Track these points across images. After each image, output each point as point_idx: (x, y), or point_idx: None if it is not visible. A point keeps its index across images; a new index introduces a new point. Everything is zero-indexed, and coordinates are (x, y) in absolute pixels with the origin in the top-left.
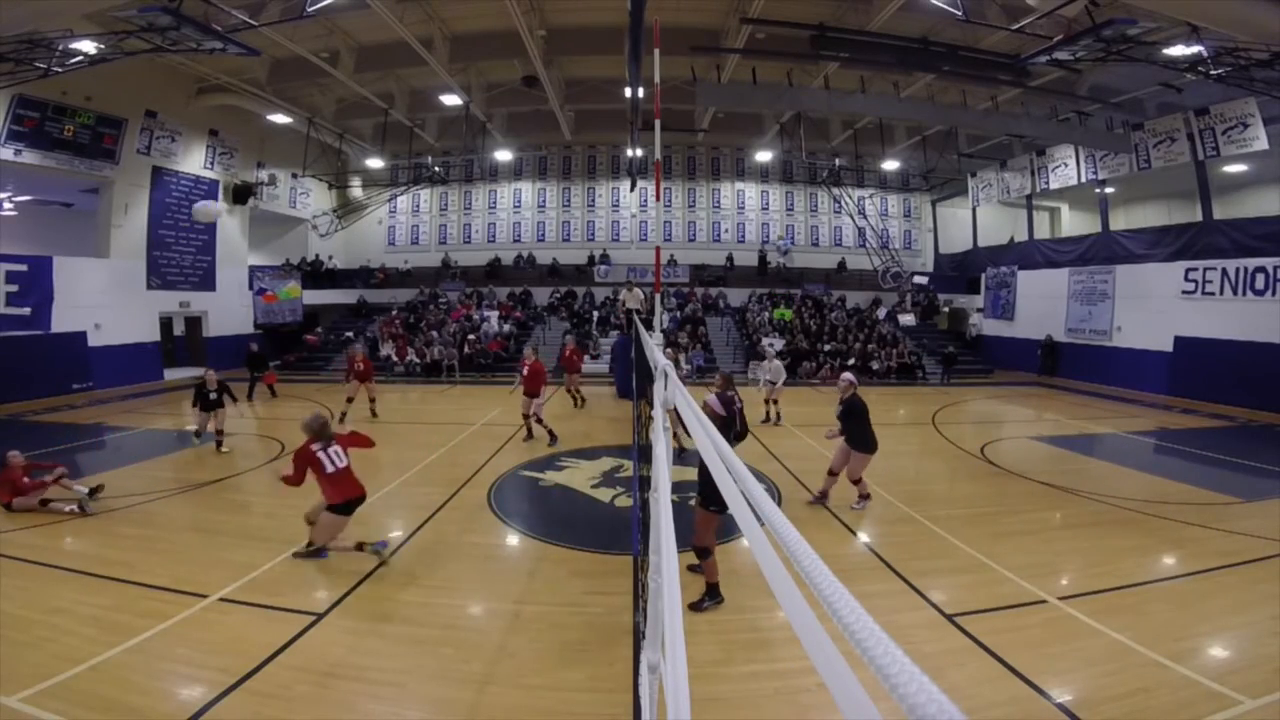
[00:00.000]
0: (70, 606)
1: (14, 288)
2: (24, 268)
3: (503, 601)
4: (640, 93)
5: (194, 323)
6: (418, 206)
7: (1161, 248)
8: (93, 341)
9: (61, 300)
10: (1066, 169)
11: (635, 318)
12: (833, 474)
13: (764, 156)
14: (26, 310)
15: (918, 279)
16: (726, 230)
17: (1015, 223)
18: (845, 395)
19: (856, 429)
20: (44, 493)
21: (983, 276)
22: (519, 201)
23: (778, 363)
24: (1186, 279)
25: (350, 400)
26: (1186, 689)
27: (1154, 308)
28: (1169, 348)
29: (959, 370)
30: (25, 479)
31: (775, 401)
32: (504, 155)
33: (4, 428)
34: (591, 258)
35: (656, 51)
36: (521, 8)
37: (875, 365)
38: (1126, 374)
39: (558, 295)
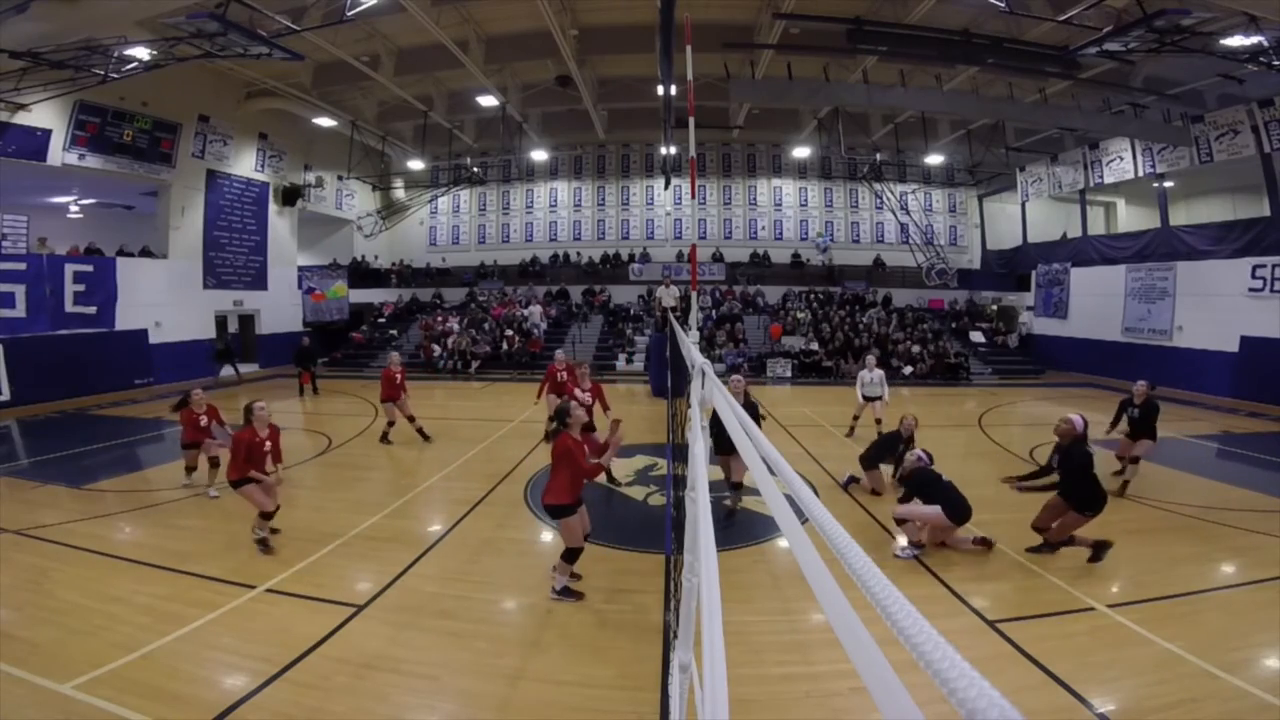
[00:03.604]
0: (127, 595)
1: (81, 287)
2: (90, 268)
3: (536, 597)
4: (673, 90)
5: (247, 320)
6: (458, 207)
7: (1226, 244)
8: (153, 339)
9: (124, 299)
10: (1122, 162)
11: (671, 316)
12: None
13: (801, 152)
14: (93, 309)
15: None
16: (764, 227)
17: (1068, 218)
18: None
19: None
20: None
21: (1033, 274)
22: (555, 201)
23: (880, 372)
24: (1254, 276)
25: (392, 424)
26: (1237, 700)
27: (1218, 306)
28: (1234, 348)
29: (1008, 370)
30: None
31: (879, 422)
32: (540, 155)
33: (73, 421)
34: (631, 255)
35: (688, 49)
36: (553, 8)
37: (908, 369)
38: (1188, 375)
39: (593, 294)
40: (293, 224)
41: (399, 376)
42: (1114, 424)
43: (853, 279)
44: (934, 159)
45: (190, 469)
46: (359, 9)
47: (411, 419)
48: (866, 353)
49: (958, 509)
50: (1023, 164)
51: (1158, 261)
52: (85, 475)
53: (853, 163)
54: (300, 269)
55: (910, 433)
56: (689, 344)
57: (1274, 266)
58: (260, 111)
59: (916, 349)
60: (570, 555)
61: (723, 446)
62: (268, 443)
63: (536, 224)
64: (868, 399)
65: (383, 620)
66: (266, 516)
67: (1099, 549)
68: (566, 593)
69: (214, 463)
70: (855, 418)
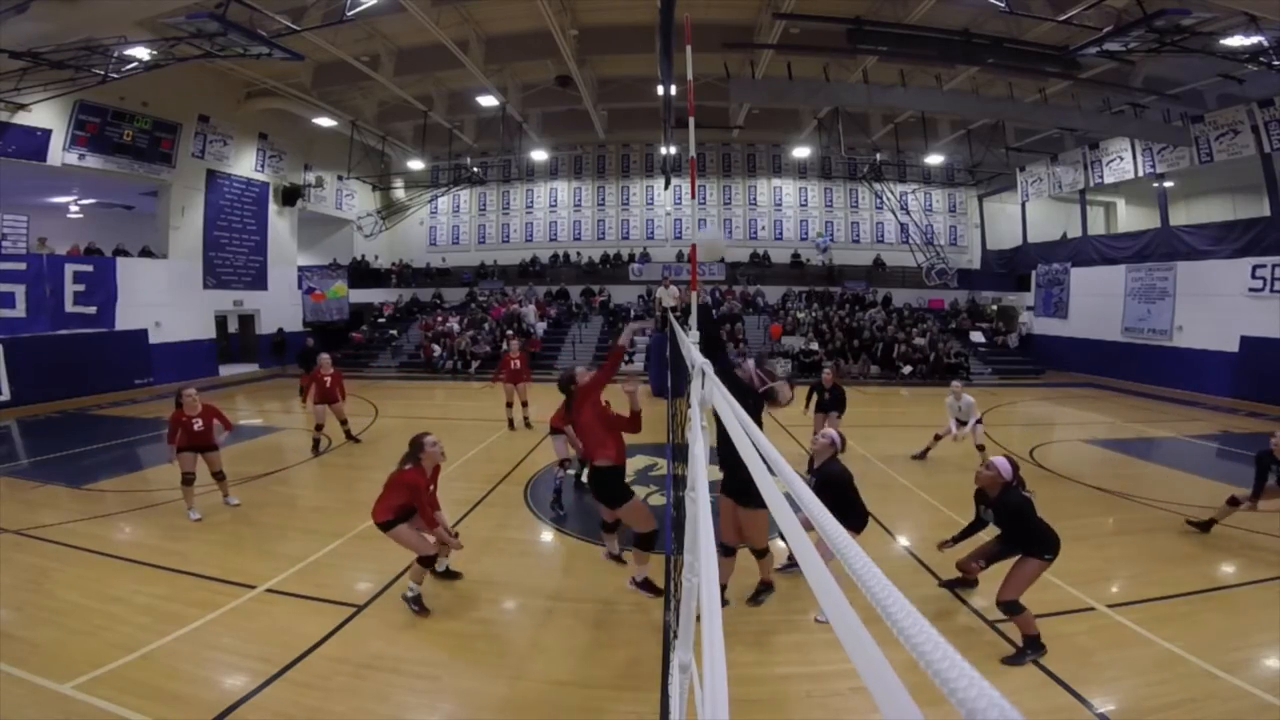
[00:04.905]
0: (127, 595)
1: (81, 287)
2: (90, 268)
3: (536, 597)
4: (673, 90)
5: (247, 320)
6: (458, 207)
7: (1226, 244)
8: (153, 339)
9: (124, 299)
10: (1122, 162)
11: (671, 316)
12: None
13: (801, 152)
14: (93, 309)
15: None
16: (763, 227)
17: (1068, 218)
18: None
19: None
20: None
21: (1033, 274)
22: (555, 201)
23: (969, 398)
24: (1254, 276)
25: (321, 427)
26: (1237, 700)
27: (1218, 306)
28: (1234, 348)
29: (1008, 370)
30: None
31: (981, 449)
32: (540, 155)
33: (73, 421)
34: (631, 255)
35: (688, 49)
36: (553, 8)
37: (907, 369)
38: (1187, 375)
39: (593, 293)
40: (293, 224)
41: (329, 380)
42: (1257, 493)
43: (853, 279)
44: (934, 159)
45: (189, 478)
46: (359, 9)
47: (344, 422)
48: (952, 378)
49: (860, 517)
50: (1023, 164)
51: (1158, 261)
52: (85, 475)
53: (853, 163)
54: (300, 269)
55: (830, 383)
56: (689, 344)
57: (1274, 266)
58: (260, 111)
59: (920, 340)
60: (647, 541)
61: (738, 489)
62: (431, 484)
63: (536, 224)
64: (960, 422)
65: (383, 620)
66: (426, 562)
67: (1034, 646)
68: (647, 585)
69: (219, 476)
70: (937, 437)
